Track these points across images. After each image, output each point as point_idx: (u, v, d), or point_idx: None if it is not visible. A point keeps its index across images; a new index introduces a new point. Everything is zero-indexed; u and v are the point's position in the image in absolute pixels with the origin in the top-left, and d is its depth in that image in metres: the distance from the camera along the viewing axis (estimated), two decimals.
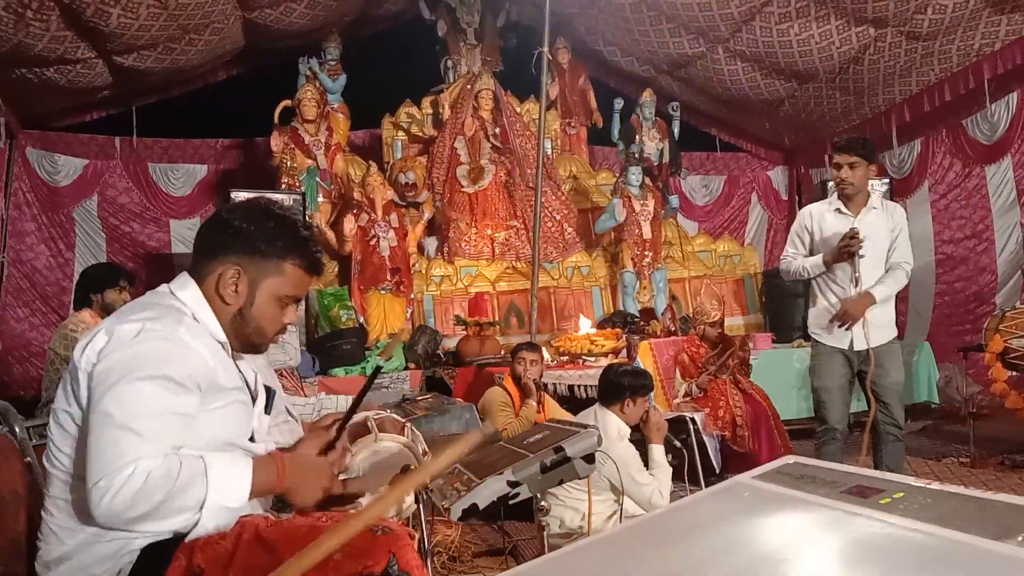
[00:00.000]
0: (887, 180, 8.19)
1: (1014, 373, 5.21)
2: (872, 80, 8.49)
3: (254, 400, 1.74)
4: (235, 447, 1.64)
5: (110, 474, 1.38)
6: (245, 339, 1.71)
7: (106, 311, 4.26)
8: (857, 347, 3.83)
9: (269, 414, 1.82)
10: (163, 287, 1.70)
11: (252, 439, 1.72)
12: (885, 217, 3.84)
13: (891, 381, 3.84)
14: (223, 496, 1.47)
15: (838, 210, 3.87)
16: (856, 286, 3.77)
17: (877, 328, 3.80)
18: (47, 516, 1.57)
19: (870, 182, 3.99)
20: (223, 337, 1.67)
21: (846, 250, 3.71)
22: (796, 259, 3.98)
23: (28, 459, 2.00)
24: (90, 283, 4.40)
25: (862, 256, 3.72)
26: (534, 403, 4.74)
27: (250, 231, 1.65)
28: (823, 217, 3.93)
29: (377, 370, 2.08)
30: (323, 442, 1.79)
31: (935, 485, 1.16)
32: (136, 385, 1.45)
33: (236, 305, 1.67)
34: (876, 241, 3.79)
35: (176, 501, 1.41)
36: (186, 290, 1.66)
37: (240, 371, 1.71)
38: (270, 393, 1.83)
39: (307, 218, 7.74)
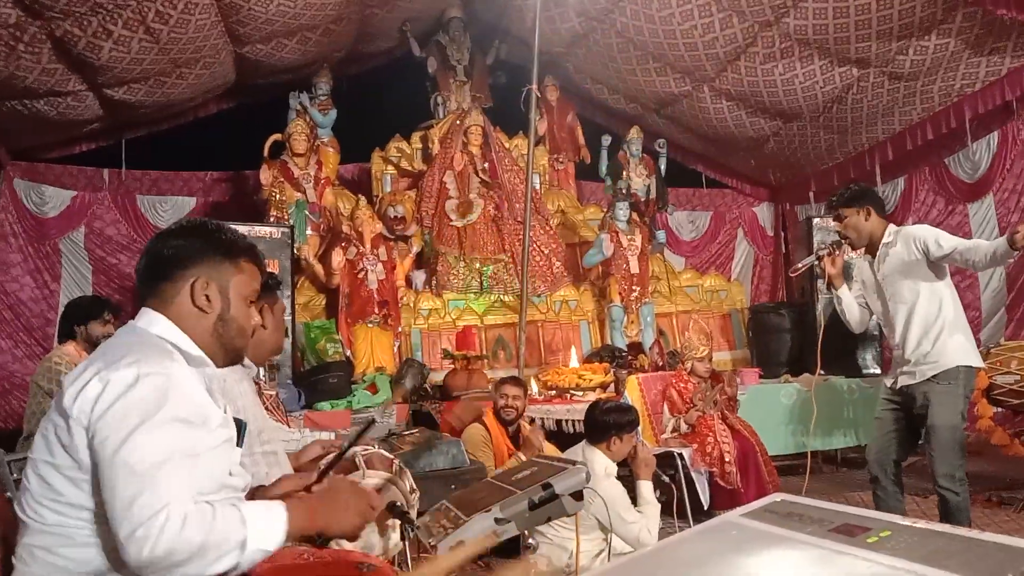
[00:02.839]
0: None
1: (999, 409, 5.23)
2: (856, 119, 8.62)
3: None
4: (226, 484, 1.62)
5: (145, 523, 1.35)
6: (230, 344, 1.72)
7: (91, 343, 4.24)
8: (899, 384, 3.71)
9: (240, 447, 1.81)
10: (133, 325, 1.68)
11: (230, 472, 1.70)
12: (900, 245, 3.73)
13: (932, 424, 3.54)
14: (262, 538, 1.45)
15: (867, 259, 3.93)
16: (885, 308, 3.76)
17: (915, 365, 3.62)
18: (19, 563, 1.52)
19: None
20: (208, 362, 1.67)
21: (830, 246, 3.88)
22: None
23: (8, 494, 1.97)
24: (75, 315, 4.39)
25: (846, 246, 3.85)
26: (525, 454, 4.47)
27: (203, 244, 1.70)
28: (860, 267, 3.97)
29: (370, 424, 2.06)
30: (306, 483, 1.77)
31: (922, 523, 1.16)
32: (150, 433, 1.43)
33: (215, 313, 1.68)
34: (896, 272, 3.71)
35: (215, 544, 1.39)
36: (158, 325, 1.65)
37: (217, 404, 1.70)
38: (241, 426, 1.82)
39: (295, 251, 7.74)
